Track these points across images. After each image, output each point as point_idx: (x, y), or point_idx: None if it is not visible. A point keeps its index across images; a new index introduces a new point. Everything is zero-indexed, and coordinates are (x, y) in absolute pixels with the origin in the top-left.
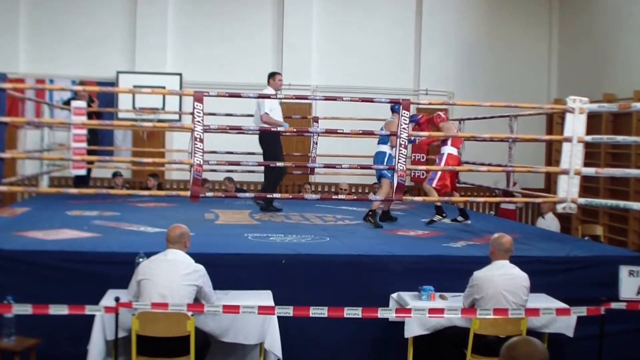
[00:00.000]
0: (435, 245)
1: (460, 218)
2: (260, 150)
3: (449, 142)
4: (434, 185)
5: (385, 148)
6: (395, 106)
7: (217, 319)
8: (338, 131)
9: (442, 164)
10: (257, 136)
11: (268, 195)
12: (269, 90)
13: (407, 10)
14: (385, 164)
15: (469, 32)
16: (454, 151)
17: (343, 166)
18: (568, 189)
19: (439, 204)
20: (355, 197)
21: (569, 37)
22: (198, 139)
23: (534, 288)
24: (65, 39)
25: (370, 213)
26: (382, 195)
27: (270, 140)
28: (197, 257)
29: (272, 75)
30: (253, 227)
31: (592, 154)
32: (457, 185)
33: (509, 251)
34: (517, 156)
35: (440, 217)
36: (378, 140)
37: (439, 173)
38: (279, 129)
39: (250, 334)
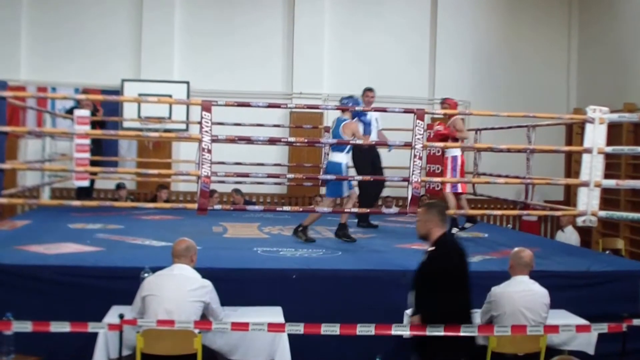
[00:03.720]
0: None
1: (467, 224)
2: (270, 161)
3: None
4: (459, 189)
5: (340, 157)
6: (347, 102)
7: (225, 337)
8: (350, 141)
9: (458, 166)
10: (266, 146)
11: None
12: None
13: (421, 17)
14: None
15: (486, 39)
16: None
17: (356, 177)
18: (588, 202)
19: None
20: (368, 210)
21: (589, 45)
22: (206, 150)
23: (553, 304)
24: (68, 45)
25: (300, 228)
26: (349, 207)
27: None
28: (205, 272)
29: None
30: (263, 241)
31: (612, 165)
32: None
33: (529, 266)
34: (535, 167)
35: (471, 224)
36: (331, 148)
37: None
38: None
39: (259, 352)
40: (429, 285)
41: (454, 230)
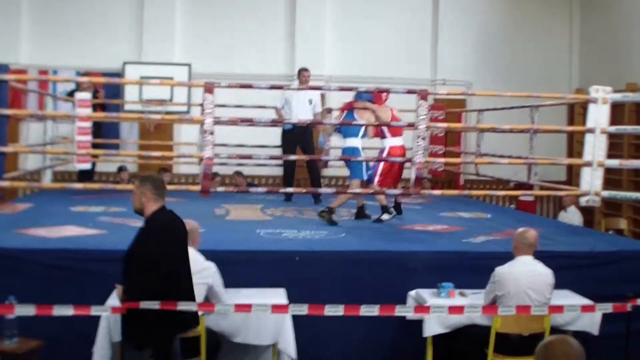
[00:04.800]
0: (455, 241)
1: (384, 216)
2: (272, 143)
3: (388, 132)
4: (375, 182)
5: (355, 142)
6: (363, 94)
7: (229, 319)
8: (353, 123)
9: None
10: (268, 129)
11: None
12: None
13: None
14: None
15: (487, 19)
16: (396, 142)
17: (359, 158)
18: (591, 182)
19: (385, 202)
20: (371, 191)
21: (591, 25)
22: (208, 132)
23: (557, 284)
24: (69, 28)
25: (327, 209)
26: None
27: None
28: (208, 254)
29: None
30: (265, 223)
31: (615, 145)
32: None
33: (533, 246)
34: (537, 148)
35: (390, 216)
36: (344, 133)
37: (380, 169)
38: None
39: (263, 334)
40: (133, 263)
41: (385, 216)
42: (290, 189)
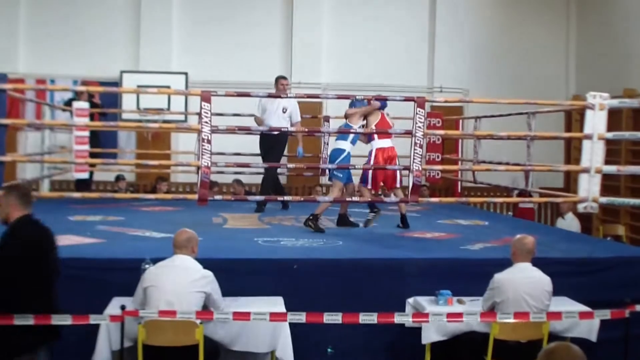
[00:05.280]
0: (452, 248)
1: (370, 215)
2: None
3: (375, 135)
4: (368, 186)
5: (344, 145)
6: (357, 102)
7: (227, 327)
8: (350, 131)
9: (372, 162)
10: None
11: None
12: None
13: (420, 6)
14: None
15: (484, 27)
16: (384, 144)
17: (356, 167)
18: (589, 188)
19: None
20: (369, 199)
21: (588, 30)
22: (205, 140)
23: (555, 291)
24: (66, 37)
25: (311, 217)
26: (331, 197)
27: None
28: (206, 263)
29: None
30: (263, 231)
31: (612, 152)
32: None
33: (532, 252)
34: (534, 155)
35: (375, 214)
36: (337, 136)
37: (371, 172)
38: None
39: (261, 342)
40: None
41: (371, 215)
42: (288, 197)
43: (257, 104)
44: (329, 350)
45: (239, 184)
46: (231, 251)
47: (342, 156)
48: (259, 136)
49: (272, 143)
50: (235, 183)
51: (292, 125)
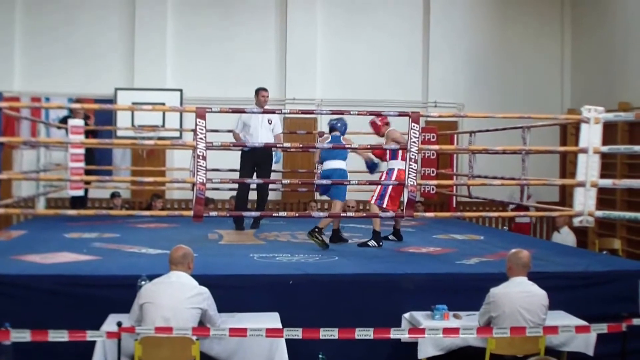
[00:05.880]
0: (448, 263)
1: (391, 237)
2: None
3: (399, 155)
4: (384, 205)
5: (342, 164)
6: (337, 124)
7: (223, 343)
8: (345, 146)
9: (391, 180)
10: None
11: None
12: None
13: (413, 21)
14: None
15: (478, 41)
16: (403, 165)
17: (352, 182)
18: (584, 202)
19: (378, 229)
20: (364, 214)
21: (582, 44)
22: (200, 157)
23: (552, 305)
24: (61, 55)
25: (317, 230)
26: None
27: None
28: (201, 279)
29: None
30: (258, 247)
31: (608, 165)
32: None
33: (527, 267)
34: (529, 168)
35: (376, 245)
36: (330, 155)
37: (389, 191)
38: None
39: (257, 358)
40: None
41: (372, 242)
42: (283, 213)
43: (236, 120)
44: (321, 356)
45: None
46: (227, 267)
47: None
48: (240, 152)
49: (264, 158)
50: (232, 199)
51: (274, 136)
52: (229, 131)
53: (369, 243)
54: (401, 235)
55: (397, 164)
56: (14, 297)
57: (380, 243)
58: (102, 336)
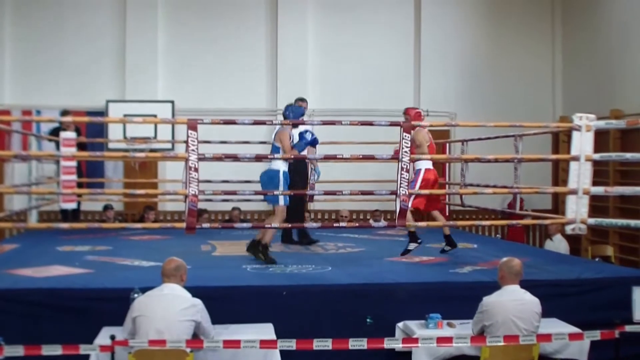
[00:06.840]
0: (441, 272)
1: (447, 247)
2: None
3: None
4: (417, 187)
5: (279, 165)
6: (285, 112)
7: (217, 355)
8: (337, 156)
9: (420, 180)
10: (253, 164)
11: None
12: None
13: (405, 31)
14: (280, 184)
15: (470, 51)
16: (430, 164)
17: (344, 192)
18: (577, 209)
19: (413, 229)
20: (357, 224)
21: (573, 52)
22: (193, 168)
23: (545, 312)
24: (51, 68)
25: (260, 248)
26: (277, 223)
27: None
28: (195, 291)
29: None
30: (252, 259)
31: (600, 172)
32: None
33: (519, 275)
34: (522, 176)
35: (416, 245)
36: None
37: (420, 177)
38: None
39: None
40: None
41: (412, 245)
42: (286, 225)
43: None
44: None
45: (235, 211)
46: (220, 279)
47: (281, 177)
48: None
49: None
50: (233, 210)
51: None
52: (238, 142)
53: (409, 248)
54: (453, 241)
55: (424, 164)
56: (6, 311)
57: (419, 240)
58: (95, 349)
